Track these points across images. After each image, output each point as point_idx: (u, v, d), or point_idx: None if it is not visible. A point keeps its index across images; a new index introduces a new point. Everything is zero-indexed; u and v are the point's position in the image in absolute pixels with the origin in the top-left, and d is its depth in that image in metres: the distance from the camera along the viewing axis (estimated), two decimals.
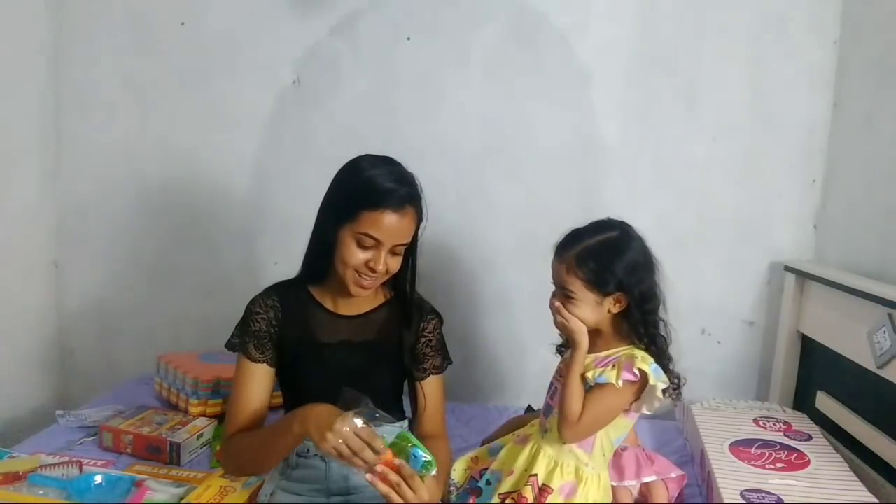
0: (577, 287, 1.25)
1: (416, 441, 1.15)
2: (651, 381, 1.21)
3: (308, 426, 1.11)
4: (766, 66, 1.97)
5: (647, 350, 1.26)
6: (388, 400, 1.40)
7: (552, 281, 1.31)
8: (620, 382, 1.20)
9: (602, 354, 1.28)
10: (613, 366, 1.23)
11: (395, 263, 1.29)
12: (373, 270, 1.25)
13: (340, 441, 1.06)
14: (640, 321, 1.26)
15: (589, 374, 1.24)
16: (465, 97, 2.08)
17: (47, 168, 2.22)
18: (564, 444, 1.27)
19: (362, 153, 1.35)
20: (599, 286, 1.24)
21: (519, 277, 2.10)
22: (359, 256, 1.24)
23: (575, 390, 1.24)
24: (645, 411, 1.27)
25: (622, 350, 1.27)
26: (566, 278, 1.25)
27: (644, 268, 1.26)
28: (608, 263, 1.23)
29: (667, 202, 2.05)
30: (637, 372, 1.21)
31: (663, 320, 1.28)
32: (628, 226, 1.29)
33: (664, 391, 1.23)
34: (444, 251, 2.10)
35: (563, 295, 1.27)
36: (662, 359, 1.26)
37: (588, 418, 1.23)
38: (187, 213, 2.24)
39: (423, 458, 1.12)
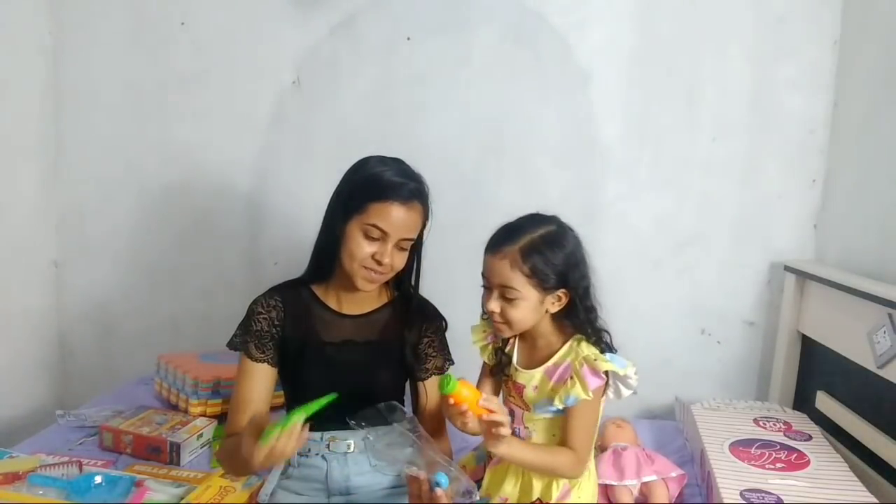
0: (521, 284, 1.16)
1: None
2: (621, 372, 1.17)
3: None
4: (766, 66, 1.97)
5: (593, 343, 1.19)
6: (390, 399, 1.40)
7: (485, 278, 1.22)
8: (590, 393, 1.14)
9: (550, 364, 1.21)
10: (572, 377, 1.16)
11: (399, 259, 1.30)
12: (379, 263, 1.26)
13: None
14: (586, 319, 1.19)
15: (556, 401, 1.17)
16: (465, 97, 2.08)
17: (47, 168, 2.23)
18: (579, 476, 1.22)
19: (362, 153, 1.35)
20: (544, 282, 1.16)
21: None
22: (365, 249, 1.25)
23: (539, 458, 1.18)
24: (625, 393, 1.21)
25: (566, 351, 1.21)
26: (509, 275, 1.16)
27: (584, 262, 1.20)
28: (553, 258, 1.16)
29: (667, 202, 2.05)
30: (603, 374, 1.16)
31: (597, 309, 1.22)
32: (560, 219, 1.24)
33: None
34: (444, 251, 2.08)
35: (501, 296, 1.18)
36: (610, 347, 1.21)
37: (582, 442, 1.18)
38: (187, 213, 2.24)
39: (443, 477, 1.14)
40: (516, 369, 1.26)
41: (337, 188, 1.33)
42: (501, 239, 1.20)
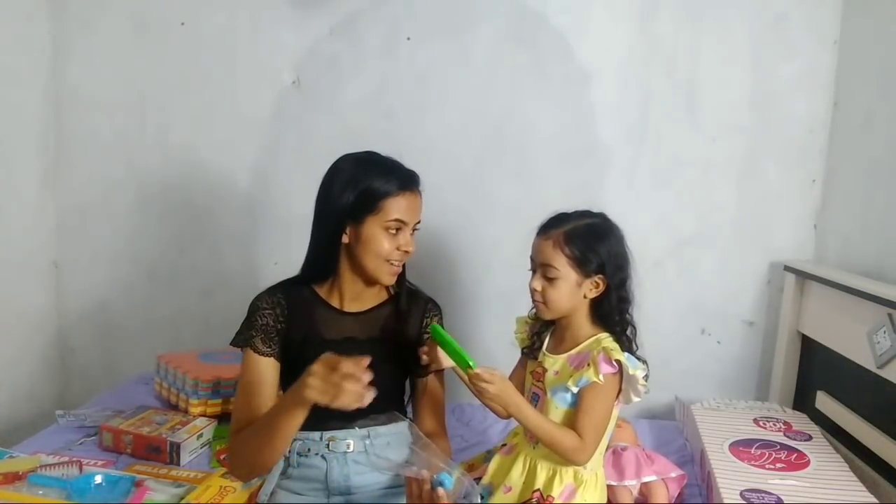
0: (562, 264, 1.26)
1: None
2: (630, 371, 1.23)
3: (300, 387, 1.12)
4: (766, 66, 1.97)
5: (618, 339, 1.28)
6: (392, 397, 1.40)
7: (532, 260, 1.32)
8: (601, 377, 1.22)
9: (573, 353, 1.29)
10: (588, 364, 1.24)
11: (413, 244, 1.34)
12: (406, 252, 1.31)
13: (320, 381, 1.09)
14: (616, 308, 1.28)
15: (570, 383, 1.25)
16: (465, 97, 2.08)
17: (47, 168, 2.23)
18: (583, 465, 1.27)
19: None
20: (583, 266, 1.26)
21: (519, 277, 2.07)
22: (388, 245, 1.30)
23: (546, 426, 1.22)
24: (634, 399, 1.28)
25: (590, 343, 1.28)
26: (552, 254, 1.26)
27: (623, 257, 1.30)
28: (594, 245, 1.26)
29: (667, 202, 2.05)
30: (615, 363, 1.23)
31: (630, 313, 1.32)
32: (607, 216, 1.33)
33: (645, 377, 1.25)
34: (445, 251, 2.10)
35: (543, 275, 1.28)
36: (631, 347, 1.29)
37: (590, 429, 1.23)
38: (187, 213, 2.24)
39: (447, 478, 1.14)
40: (545, 354, 1.35)
41: (326, 197, 1.32)
42: (551, 223, 1.30)
